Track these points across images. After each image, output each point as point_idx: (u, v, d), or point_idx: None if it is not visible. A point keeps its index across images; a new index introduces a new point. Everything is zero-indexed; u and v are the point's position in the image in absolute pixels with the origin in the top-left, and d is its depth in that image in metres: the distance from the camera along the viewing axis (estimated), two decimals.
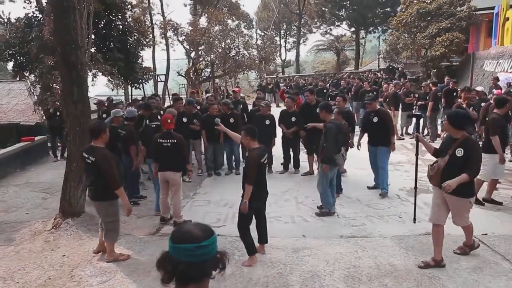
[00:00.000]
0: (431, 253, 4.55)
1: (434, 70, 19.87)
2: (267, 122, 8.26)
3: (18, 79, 15.94)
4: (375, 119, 6.85)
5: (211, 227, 1.60)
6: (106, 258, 4.82)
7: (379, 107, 7.16)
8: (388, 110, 11.44)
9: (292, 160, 8.59)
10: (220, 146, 8.57)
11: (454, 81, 11.65)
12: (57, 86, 11.19)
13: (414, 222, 5.33)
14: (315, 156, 8.00)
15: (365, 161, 8.38)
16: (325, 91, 15.79)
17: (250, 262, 4.63)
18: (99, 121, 6.66)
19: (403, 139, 11.14)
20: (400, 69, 23.28)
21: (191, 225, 1.60)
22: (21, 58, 12.22)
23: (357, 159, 8.03)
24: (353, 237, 5.26)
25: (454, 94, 10.77)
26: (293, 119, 8.15)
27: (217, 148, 8.55)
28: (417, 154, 5.56)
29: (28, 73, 13.01)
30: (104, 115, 9.21)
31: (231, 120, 8.17)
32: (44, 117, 12.82)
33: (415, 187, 5.52)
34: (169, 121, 5.87)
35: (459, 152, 4.06)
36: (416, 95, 11.82)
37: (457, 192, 4.08)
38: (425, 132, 11.36)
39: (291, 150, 8.49)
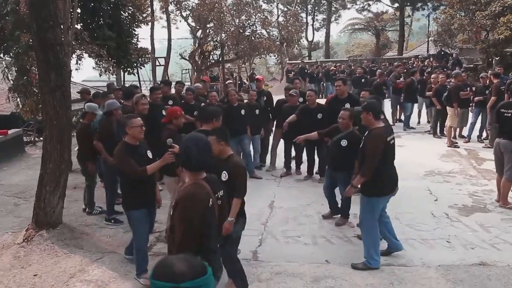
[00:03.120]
0: None
1: (497, 58, 19.46)
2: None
3: None
4: (343, 143, 6.11)
5: (205, 264, 1.54)
6: None
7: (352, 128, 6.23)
8: (437, 105, 11.34)
9: (317, 165, 8.54)
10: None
11: None
12: (35, 70, 11.31)
13: None
14: None
15: (406, 167, 8.27)
16: (363, 80, 15.53)
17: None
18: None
19: (456, 143, 10.93)
20: (454, 55, 22.90)
21: (178, 258, 1.53)
22: None
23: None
24: (389, 265, 5.16)
25: None
26: (320, 116, 8.09)
27: None
28: None
29: (2, 53, 13.18)
30: None
31: (256, 112, 8.69)
32: (21, 106, 12.98)
33: None
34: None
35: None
36: (473, 89, 11.57)
37: None
38: (484, 135, 11.12)
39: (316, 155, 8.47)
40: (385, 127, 4.99)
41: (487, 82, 11.13)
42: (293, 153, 8.92)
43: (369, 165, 4.87)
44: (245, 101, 9.62)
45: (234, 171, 4.25)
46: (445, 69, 18.63)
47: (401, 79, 14.13)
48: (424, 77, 13.66)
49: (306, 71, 22.79)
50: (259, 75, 17.75)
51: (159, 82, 18.27)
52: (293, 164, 8.95)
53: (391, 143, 5.00)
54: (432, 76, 12.73)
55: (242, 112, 8.52)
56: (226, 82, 12.98)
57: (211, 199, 2.97)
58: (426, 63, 22.31)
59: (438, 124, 11.78)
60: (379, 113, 5.02)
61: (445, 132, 11.33)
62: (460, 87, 10.85)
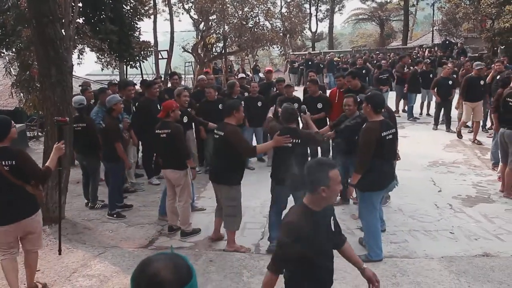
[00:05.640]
0: (488, 279, 4.43)
1: (502, 47, 19.27)
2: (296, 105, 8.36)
3: None
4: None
5: (189, 265, 1.47)
6: (226, 248, 5.42)
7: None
8: (437, 98, 11.30)
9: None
10: None
11: None
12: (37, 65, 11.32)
13: None
14: None
15: (411, 158, 8.24)
16: (364, 71, 15.31)
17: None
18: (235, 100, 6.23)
19: (461, 136, 10.84)
20: (459, 44, 22.71)
21: (164, 263, 1.42)
22: None
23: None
24: (392, 257, 5.16)
25: None
26: (320, 105, 8.11)
27: None
28: None
29: (4, 48, 13.19)
30: (92, 101, 9.18)
31: (259, 104, 8.72)
32: (24, 100, 13.00)
33: None
34: (161, 108, 5.99)
35: None
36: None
37: None
38: (488, 124, 11.03)
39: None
40: (380, 122, 4.89)
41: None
42: None
43: (361, 161, 4.85)
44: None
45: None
46: (449, 59, 18.49)
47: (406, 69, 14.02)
48: (423, 67, 13.39)
49: (309, 62, 22.65)
50: (268, 67, 17.62)
51: (161, 76, 18.30)
52: None
53: (387, 138, 4.87)
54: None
55: (259, 104, 8.72)
56: (238, 76, 12.82)
57: None
58: (431, 52, 22.12)
59: (440, 117, 11.73)
60: (379, 108, 4.91)
61: (452, 129, 11.19)
62: (471, 79, 10.53)
